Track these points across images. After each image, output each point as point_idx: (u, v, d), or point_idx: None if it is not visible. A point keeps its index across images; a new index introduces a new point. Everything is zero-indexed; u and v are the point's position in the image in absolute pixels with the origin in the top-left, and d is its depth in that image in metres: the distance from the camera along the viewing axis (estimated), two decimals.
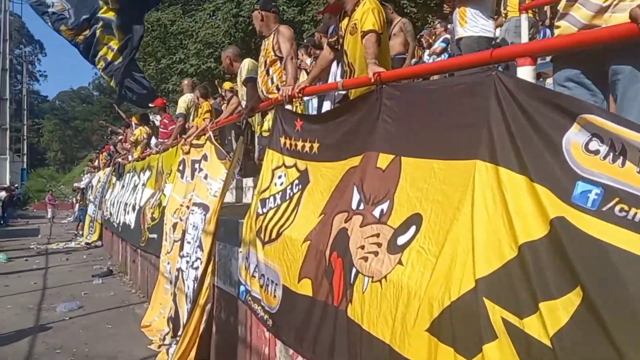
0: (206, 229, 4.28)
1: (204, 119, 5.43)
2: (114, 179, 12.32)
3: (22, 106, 44.90)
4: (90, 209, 15.43)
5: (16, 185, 32.37)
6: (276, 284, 2.90)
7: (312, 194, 2.92)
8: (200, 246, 4.38)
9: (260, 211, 3.33)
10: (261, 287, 3.10)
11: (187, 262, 4.69)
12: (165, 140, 7.34)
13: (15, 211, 27.28)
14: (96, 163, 19.42)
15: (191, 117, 6.48)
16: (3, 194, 24.24)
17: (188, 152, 5.49)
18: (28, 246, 13.83)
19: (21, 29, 59.16)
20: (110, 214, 11.42)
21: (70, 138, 61.18)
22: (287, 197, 3.16)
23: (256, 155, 4.57)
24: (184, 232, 4.99)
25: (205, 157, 5.12)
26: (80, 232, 15.90)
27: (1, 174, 26.45)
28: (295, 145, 3.22)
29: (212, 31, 14.76)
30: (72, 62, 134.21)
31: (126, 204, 9.30)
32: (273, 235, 3.04)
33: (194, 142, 5.33)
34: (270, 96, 3.71)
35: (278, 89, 3.68)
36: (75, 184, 29.20)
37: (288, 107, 3.39)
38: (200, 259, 4.34)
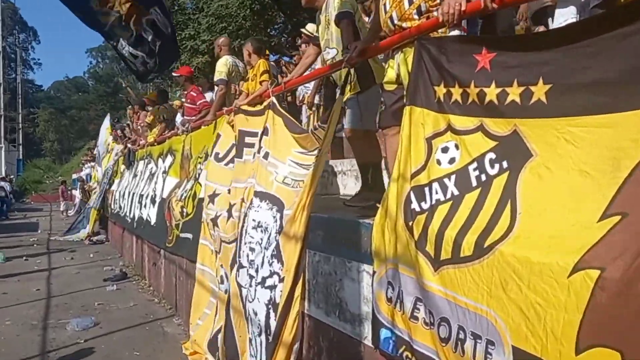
0: (288, 232, 2.95)
1: (260, 82, 4.03)
2: (123, 167, 10.96)
3: (17, 94, 43.29)
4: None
5: (11, 176, 30.96)
6: (491, 345, 1.59)
7: (547, 176, 1.61)
8: (277, 256, 3.05)
9: (416, 207, 2.01)
10: (442, 340, 1.78)
11: (252, 276, 3.37)
12: (193, 117, 5.97)
13: (12, 204, 25.86)
14: (95, 151, 18.10)
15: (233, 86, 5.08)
16: (6, 185, 22.83)
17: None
18: (27, 242, 12.48)
19: (14, 16, 57.00)
20: (120, 207, 10.06)
21: (66, 128, 59.52)
22: (475, 184, 1.84)
23: (346, 126, 3.22)
24: (241, 234, 3.67)
25: (265, 131, 3.79)
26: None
27: None
28: (478, 94, 1.89)
29: (225, 3, 13.25)
30: (66, 50, 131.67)
31: (141, 195, 7.96)
32: (466, 251, 1.72)
33: (245, 107, 3.96)
34: (405, 25, 2.37)
35: (420, 13, 2.34)
36: (75, 175, 27.85)
37: (454, 33, 2.06)
38: (278, 274, 3.02)
